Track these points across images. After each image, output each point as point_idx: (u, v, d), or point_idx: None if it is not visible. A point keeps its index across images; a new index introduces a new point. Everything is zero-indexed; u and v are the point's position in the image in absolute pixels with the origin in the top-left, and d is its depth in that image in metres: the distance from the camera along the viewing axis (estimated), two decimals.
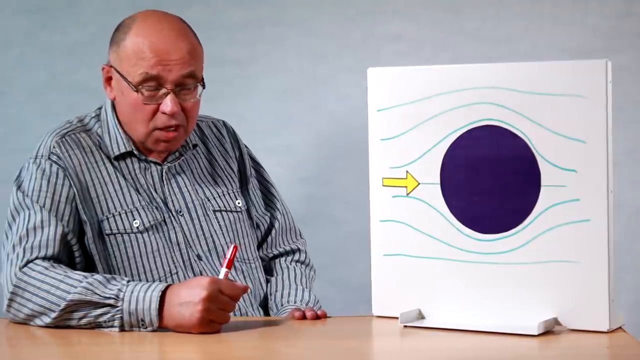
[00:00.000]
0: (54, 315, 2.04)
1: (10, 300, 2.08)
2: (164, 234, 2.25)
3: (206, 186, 2.34)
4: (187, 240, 2.27)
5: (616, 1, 2.96)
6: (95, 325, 2.04)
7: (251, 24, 3.01)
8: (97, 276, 2.05)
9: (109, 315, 2.02)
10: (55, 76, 3.01)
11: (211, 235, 2.30)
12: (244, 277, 2.31)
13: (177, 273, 2.24)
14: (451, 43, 2.98)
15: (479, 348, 1.89)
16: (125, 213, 2.23)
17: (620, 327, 1.94)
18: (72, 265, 2.16)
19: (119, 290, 2.02)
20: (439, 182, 2.02)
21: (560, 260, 1.93)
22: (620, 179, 2.36)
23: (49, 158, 2.22)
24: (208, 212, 2.31)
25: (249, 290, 2.23)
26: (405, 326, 2.01)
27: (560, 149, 1.92)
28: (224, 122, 2.45)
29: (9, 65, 3.01)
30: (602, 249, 1.90)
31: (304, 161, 3.04)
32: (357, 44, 3.00)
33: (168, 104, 2.19)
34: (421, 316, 2.04)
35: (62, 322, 2.05)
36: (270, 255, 2.45)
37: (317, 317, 2.14)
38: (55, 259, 2.12)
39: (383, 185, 2.07)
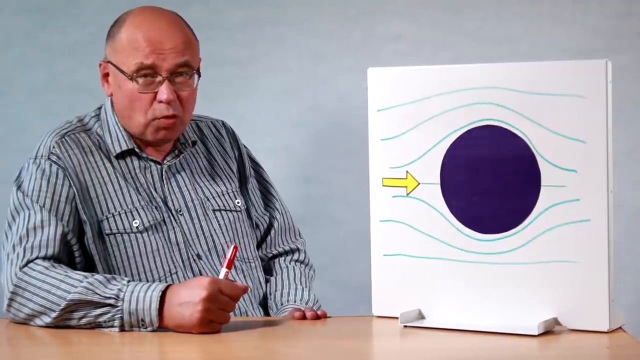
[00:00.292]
0: (54, 315, 2.04)
1: (11, 300, 2.08)
2: (164, 234, 2.25)
3: (206, 185, 2.34)
4: (187, 240, 2.27)
5: (616, 1, 2.95)
6: (95, 325, 2.04)
7: (251, 24, 3.00)
8: (97, 276, 2.05)
9: (109, 315, 2.02)
10: (55, 76, 3.01)
11: (211, 235, 2.30)
12: (244, 277, 2.31)
13: (176, 273, 2.24)
14: (451, 43, 2.98)
15: (479, 348, 1.89)
16: (125, 213, 2.23)
17: (620, 327, 1.94)
18: (72, 265, 2.16)
19: (119, 290, 2.02)
20: (439, 182, 2.02)
21: (560, 260, 1.93)
22: (620, 179, 2.36)
23: (49, 158, 2.22)
24: (208, 212, 2.31)
25: (248, 290, 2.23)
26: (405, 326, 2.01)
27: (560, 149, 1.92)
28: (223, 122, 2.45)
29: (9, 65, 3.00)
30: (602, 249, 1.90)
31: (304, 161, 3.04)
32: (357, 44, 3.00)
33: (164, 91, 2.20)
34: (421, 316, 2.04)
35: (62, 322, 2.05)
36: (270, 255, 2.45)
37: (317, 317, 2.14)
38: (55, 258, 2.12)
39: (383, 185, 2.07)
